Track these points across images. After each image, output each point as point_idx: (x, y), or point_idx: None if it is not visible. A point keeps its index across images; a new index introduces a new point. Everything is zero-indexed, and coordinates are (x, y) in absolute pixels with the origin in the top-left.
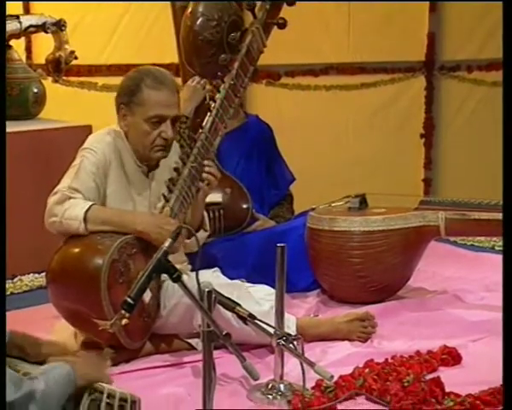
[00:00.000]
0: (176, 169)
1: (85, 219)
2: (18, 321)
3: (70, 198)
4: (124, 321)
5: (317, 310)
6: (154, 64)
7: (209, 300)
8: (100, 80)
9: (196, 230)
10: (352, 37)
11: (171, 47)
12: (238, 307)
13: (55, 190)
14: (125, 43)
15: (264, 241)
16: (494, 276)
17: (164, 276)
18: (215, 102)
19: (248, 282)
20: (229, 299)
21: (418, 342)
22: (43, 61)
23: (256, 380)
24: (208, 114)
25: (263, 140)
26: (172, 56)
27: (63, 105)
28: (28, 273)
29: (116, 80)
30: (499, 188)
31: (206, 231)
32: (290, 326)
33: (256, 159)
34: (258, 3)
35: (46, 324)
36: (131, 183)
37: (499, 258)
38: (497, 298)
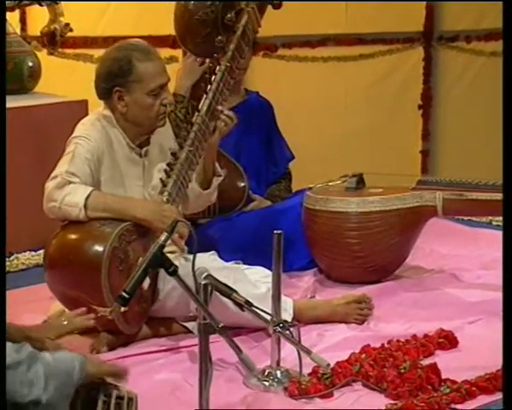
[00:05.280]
0: (173, 153)
1: (86, 206)
2: (15, 301)
3: (70, 183)
4: (123, 308)
5: (314, 290)
6: (151, 36)
7: (205, 292)
8: (95, 52)
9: (210, 177)
10: (349, 7)
11: (168, 18)
12: (235, 294)
13: (54, 174)
14: (122, 15)
15: (261, 220)
16: (491, 253)
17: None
18: (211, 84)
19: (245, 262)
20: (225, 285)
21: (415, 324)
22: (37, 33)
23: (253, 372)
24: (204, 96)
25: (263, 117)
26: (170, 28)
27: (58, 77)
28: (24, 251)
29: None
30: (497, 159)
31: (219, 176)
32: (287, 309)
33: (256, 136)
34: None
35: (43, 304)
36: (123, 167)
37: (496, 234)
38: (493, 276)
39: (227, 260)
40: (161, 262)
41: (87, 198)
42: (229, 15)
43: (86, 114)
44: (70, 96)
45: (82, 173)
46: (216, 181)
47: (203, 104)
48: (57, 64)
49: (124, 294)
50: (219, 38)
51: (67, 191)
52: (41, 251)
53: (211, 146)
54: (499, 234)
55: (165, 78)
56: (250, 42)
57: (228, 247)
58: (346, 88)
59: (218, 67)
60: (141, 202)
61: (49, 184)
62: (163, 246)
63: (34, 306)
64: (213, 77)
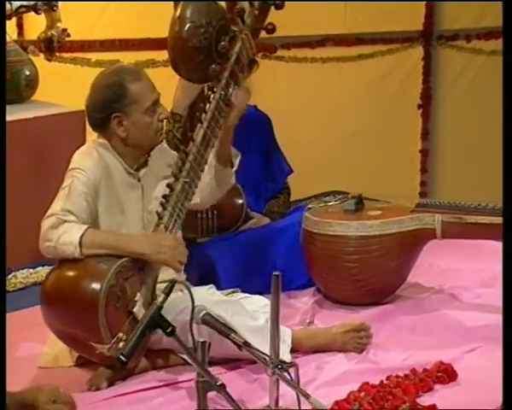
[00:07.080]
0: (168, 185)
1: (81, 244)
2: (12, 327)
3: (65, 222)
4: (121, 345)
5: (313, 314)
6: (148, 38)
7: (203, 350)
8: (93, 56)
9: (224, 164)
10: (348, 7)
11: (166, 21)
12: (233, 335)
13: (49, 212)
14: (120, 18)
15: (259, 239)
16: (492, 267)
17: (159, 289)
18: (206, 113)
19: (244, 282)
20: (224, 325)
21: (413, 353)
22: (35, 38)
23: None
24: (199, 125)
25: (261, 132)
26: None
27: (56, 82)
28: (23, 268)
29: (110, 56)
30: (497, 159)
31: (232, 167)
32: (286, 339)
33: (254, 152)
34: (247, 8)
35: (40, 331)
36: (122, 193)
37: (496, 245)
38: (493, 296)
39: (226, 283)
40: (159, 324)
41: (82, 236)
42: (222, 43)
43: (84, 125)
44: (68, 100)
45: (78, 209)
46: (228, 171)
47: (198, 134)
48: (54, 68)
49: (122, 357)
50: (213, 66)
51: (62, 231)
52: (39, 268)
53: (227, 129)
54: (500, 246)
55: (156, 94)
56: (244, 68)
57: (226, 266)
58: (345, 88)
59: (212, 96)
60: (137, 237)
61: (45, 223)
62: (160, 308)
63: (31, 333)
64: (208, 105)
